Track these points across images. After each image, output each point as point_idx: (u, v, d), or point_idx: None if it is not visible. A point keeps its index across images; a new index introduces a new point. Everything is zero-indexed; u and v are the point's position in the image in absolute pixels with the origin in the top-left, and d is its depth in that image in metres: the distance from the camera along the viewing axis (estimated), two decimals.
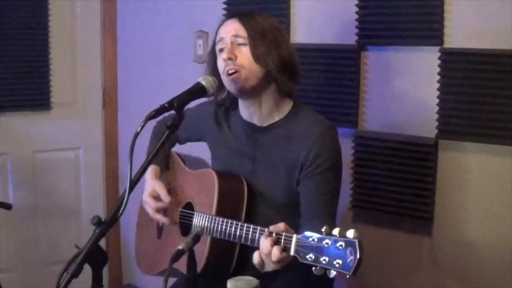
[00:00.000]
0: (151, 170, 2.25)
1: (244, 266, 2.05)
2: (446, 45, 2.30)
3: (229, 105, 2.19)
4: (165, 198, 2.16)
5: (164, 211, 2.20)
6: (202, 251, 1.98)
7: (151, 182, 2.21)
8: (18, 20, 3.43)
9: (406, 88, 2.46)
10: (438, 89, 2.32)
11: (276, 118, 2.10)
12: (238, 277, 1.64)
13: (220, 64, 2.05)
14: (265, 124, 2.10)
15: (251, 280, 1.62)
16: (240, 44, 2.02)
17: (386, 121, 2.53)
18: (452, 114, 2.30)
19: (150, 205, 2.19)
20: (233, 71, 2.00)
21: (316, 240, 1.58)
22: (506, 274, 2.21)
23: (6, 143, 3.47)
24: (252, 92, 2.05)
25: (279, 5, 2.81)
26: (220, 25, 2.11)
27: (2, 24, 3.39)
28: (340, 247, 1.53)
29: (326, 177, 2.01)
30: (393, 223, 2.49)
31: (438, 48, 2.31)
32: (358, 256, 1.50)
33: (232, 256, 2.04)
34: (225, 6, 3.07)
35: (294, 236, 1.65)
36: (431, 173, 2.38)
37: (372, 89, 2.57)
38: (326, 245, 1.55)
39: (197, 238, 1.72)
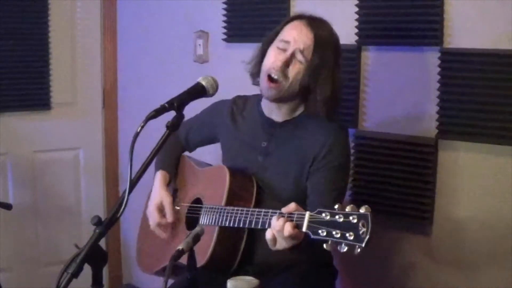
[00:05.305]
0: (161, 177, 2.25)
1: (248, 261, 2.06)
2: (446, 45, 2.30)
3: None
4: (170, 217, 2.17)
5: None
6: (208, 243, 1.99)
7: (160, 192, 2.21)
8: (18, 20, 3.43)
9: (406, 88, 2.46)
10: (438, 89, 2.32)
11: (293, 115, 2.14)
12: (238, 277, 1.64)
13: (270, 60, 2.05)
14: (282, 120, 2.14)
15: (251, 280, 1.62)
16: (299, 61, 2.02)
17: (386, 121, 2.53)
18: (452, 114, 2.30)
19: (153, 219, 2.19)
20: (275, 78, 2.02)
21: (329, 215, 1.62)
22: (506, 274, 2.21)
23: (6, 143, 3.47)
24: (279, 100, 2.09)
25: (279, 5, 2.81)
26: (290, 20, 2.09)
27: (2, 24, 3.39)
28: (353, 220, 1.57)
29: (335, 173, 2.05)
30: (393, 223, 2.49)
31: (438, 48, 2.31)
32: (370, 228, 1.54)
33: (238, 249, 2.04)
34: (225, 6, 3.07)
35: (307, 213, 1.68)
36: (431, 173, 2.38)
37: (372, 89, 2.57)
38: (339, 219, 1.59)
39: (197, 238, 1.72)
